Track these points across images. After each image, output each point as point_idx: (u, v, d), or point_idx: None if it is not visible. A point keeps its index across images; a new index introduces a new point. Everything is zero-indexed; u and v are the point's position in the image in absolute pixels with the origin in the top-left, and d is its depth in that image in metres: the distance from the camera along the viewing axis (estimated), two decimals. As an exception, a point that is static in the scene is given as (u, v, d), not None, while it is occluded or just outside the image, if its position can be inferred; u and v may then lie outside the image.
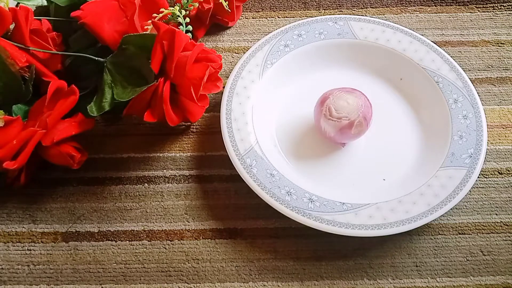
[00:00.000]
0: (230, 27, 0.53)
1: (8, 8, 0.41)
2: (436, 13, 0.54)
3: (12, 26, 0.40)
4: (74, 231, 0.40)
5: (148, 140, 0.45)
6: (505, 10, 0.54)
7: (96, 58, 0.42)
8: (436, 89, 0.45)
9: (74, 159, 0.39)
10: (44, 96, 0.38)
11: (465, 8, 0.55)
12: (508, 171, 0.43)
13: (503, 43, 0.52)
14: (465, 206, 0.41)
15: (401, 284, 0.37)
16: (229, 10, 0.50)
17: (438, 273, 0.38)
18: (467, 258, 0.38)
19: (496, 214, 0.41)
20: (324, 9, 0.55)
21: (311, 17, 0.52)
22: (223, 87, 0.45)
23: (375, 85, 0.48)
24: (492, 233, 0.40)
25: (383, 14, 0.54)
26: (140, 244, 0.39)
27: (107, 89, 0.41)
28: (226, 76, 0.48)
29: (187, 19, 0.45)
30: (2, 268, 0.38)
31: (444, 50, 0.47)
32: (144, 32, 0.42)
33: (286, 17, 0.54)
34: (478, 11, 0.54)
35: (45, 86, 0.39)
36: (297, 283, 0.37)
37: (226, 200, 0.41)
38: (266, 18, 0.54)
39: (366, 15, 0.54)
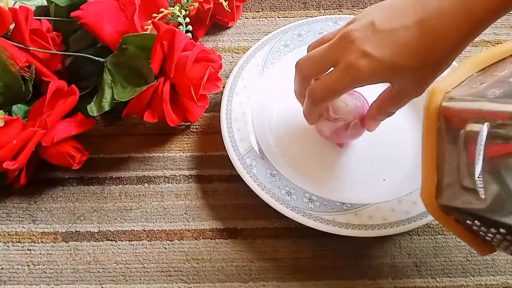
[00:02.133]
0: (230, 27, 0.53)
1: (8, 8, 0.41)
2: (436, 13, 0.54)
3: (12, 26, 0.40)
4: (74, 231, 0.40)
5: (148, 140, 0.45)
6: (505, 10, 0.54)
7: (96, 58, 0.42)
8: (436, 89, 0.45)
9: (74, 159, 0.39)
10: (44, 96, 0.38)
11: (465, 8, 0.55)
12: (508, 171, 0.43)
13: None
14: (465, 206, 0.41)
15: (401, 284, 0.37)
16: (229, 10, 0.50)
17: (438, 273, 0.38)
18: (467, 258, 0.38)
19: (496, 214, 0.41)
20: (324, 9, 0.55)
21: (311, 17, 0.52)
22: (223, 87, 0.45)
23: (374, 85, 0.48)
24: (492, 233, 0.40)
25: (383, 14, 0.54)
26: (140, 244, 0.39)
27: (107, 89, 0.41)
28: (226, 76, 0.48)
29: (187, 19, 0.45)
30: (2, 268, 0.38)
31: (444, 50, 0.47)
32: (144, 32, 0.42)
33: (286, 17, 0.54)
34: (478, 11, 0.54)
35: (45, 86, 0.39)
36: (297, 283, 0.37)
37: (226, 200, 0.41)
38: (266, 18, 0.54)
39: (366, 15, 0.54)
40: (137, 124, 0.46)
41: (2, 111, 0.38)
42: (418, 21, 0.29)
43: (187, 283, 0.37)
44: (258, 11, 0.55)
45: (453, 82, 0.25)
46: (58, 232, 0.40)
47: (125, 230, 0.40)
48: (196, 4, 0.48)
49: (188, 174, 0.43)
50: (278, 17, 0.54)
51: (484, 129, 0.22)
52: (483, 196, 0.23)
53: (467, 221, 0.26)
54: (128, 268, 0.38)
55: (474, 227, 0.26)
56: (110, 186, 0.42)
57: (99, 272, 0.38)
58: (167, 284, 0.37)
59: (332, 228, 0.37)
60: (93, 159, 0.43)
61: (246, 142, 0.42)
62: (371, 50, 0.30)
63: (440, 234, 0.40)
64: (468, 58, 0.26)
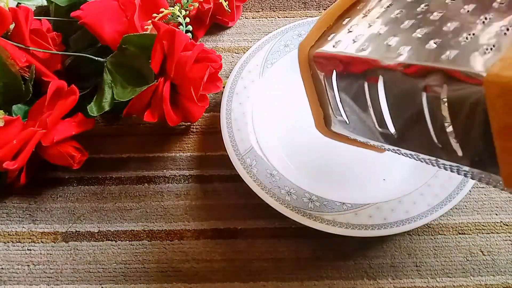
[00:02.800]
0: (230, 27, 0.53)
1: (8, 8, 0.41)
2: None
3: (12, 26, 0.40)
4: (74, 231, 0.40)
5: (148, 140, 0.45)
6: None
7: (96, 58, 0.42)
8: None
9: (74, 159, 0.39)
10: (44, 96, 0.38)
11: (465, 8, 0.55)
12: (508, 171, 0.43)
13: (503, 43, 0.51)
14: (465, 206, 0.41)
15: (401, 284, 0.37)
16: (229, 10, 0.50)
17: (438, 273, 0.38)
18: (467, 258, 0.38)
19: (496, 214, 0.41)
20: (324, 9, 0.55)
21: (311, 17, 0.52)
22: (223, 87, 0.45)
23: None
24: (492, 233, 0.40)
25: (383, 14, 0.54)
26: (140, 244, 0.39)
27: (107, 89, 0.41)
28: (226, 76, 0.48)
29: (187, 19, 0.45)
30: (2, 268, 0.38)
31: (444, 50, 0.47)
32: (144, 32, 0.42)
33: (286, 17, 0.54)
34: (478, 11, 0.54)
35: (45, 86, 0.39)
36: (297, 283, 0.37)
37: (226, 200, 0.41)
38: (266, 18, 0.54)
39: (366, 15, 0.54)
40: (137, 124, 0.46)
41: (2, 111, 0.38)
42: None
43: (187, 283, 0.37)
44: (258, 11, 0.55)
45: (314, 37, 0.30)
46: (58, 232, 0.40)
47: (125, 230, 0.40)
48: (196, 4, 0.48)
49: (188, 174, 0.43)
50: (278, 17, 0.54)
51: (334, 73, 0.29)
52: (348, 122, 0.30)
53: (351, 138, 0.32)
54: (128, 268, 0.38)
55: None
56: (110, 186, 0.42)
57: (99, 272, 0.38)
58: (167, 284, 0.37)
59: (332, 228, 0.37)
60: (93, 159, 0.43)
61: (246, 142, 0.42)
62: None
63: (440, 234, 0.40)
64: (323, 13, 0.30)
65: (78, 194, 0.42)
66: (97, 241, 0.39)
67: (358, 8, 0.30)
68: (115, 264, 0.38)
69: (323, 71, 0.30)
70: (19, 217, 0.41)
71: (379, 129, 0.28)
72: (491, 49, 0.20)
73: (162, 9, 0.43)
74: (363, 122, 0.29)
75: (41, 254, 0.39)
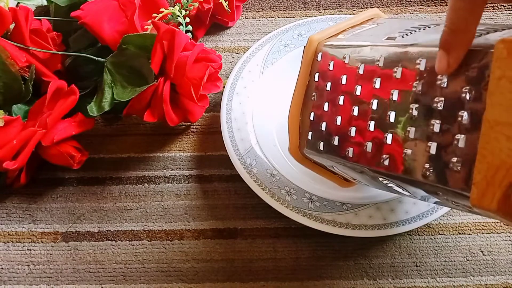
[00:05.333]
0: (230, 27, 0.53)
1: (8, 8, 0.41)
2: (436, 13, 0.54)
3: (12, 26, 0.41)
4: (74, 231, 0.40)
5: (148, 140, 0.45)
6: (505, 10, 0.54)
7: (96, 58, 0.42)
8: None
9: (74, 159, 0.39)
10: (44, 96, 0.38)
11: (465, 8, 0.55)
12: (508, 171, 0.43)
13: (503, 43, 0.51)
14: (465, 206, 0.41)
15: (401, 284, 0.37)
16: (229, 10, 0.50)
17: (438, 273, 0.38)
18: (467, 258, 0.38)
19: (496, 214, 0.41)
20: (324, 9, 0.55)
21: (311, 17, 0.52)
22: (223, 87, 0.45)
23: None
24: (492, 233, 0.40)
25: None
26: (140, 244, 0.39)
27: (107, 89, 0.41)
28: (226, 76, 0.48)
29: (187, 19, 0.45)
30: (2, 268, 0.38)
31: (444, 50, 0.47)
32: (144, 32, 0.42)
33: (286, 17, 0.54)
34: (478, 11, 0.54)
35: (45, 86, 0.39)
36: (297, 283, 0.37)
37: (226, 200, 0.41)
38: (266, 18, 0.54)
39: (366, 15, 0.54)
40: (137, 124, 0.46)
41: (2, 111, 0.38)
42: None
43: (187, 283, 0.37)
44: (258, 11, 0.55)
45: (326, 35, 0.34)
46: (58, 232, 0.40)
47: (125, 230, 0.40)
48: (196, 4, 0.48)
49: (188, 174, 0.43)
50: (278, 17, 0.54)
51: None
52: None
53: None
54: (128, 268, 0.38)
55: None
56: (110, 186, 0.42)
57: (99, 272, 0.38)
58: (167, 284, 0.37)
59: (332, 228, 0.37)
60: (93, 159, 0.43)
61: (246, 142, 0.42)
62: None
63: (440, 234, 0.40)
64: (338, 23, 0.35)
65: (78, 194, 0.42)
66: (97, 241, 0.39)
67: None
68: (115, 264, 0.38)
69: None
70: (19, 217, 0.41)
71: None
72: (459, 163, 0.23)
73: (162, 9, 0.43)
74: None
75: (41, 254, 0.39)
